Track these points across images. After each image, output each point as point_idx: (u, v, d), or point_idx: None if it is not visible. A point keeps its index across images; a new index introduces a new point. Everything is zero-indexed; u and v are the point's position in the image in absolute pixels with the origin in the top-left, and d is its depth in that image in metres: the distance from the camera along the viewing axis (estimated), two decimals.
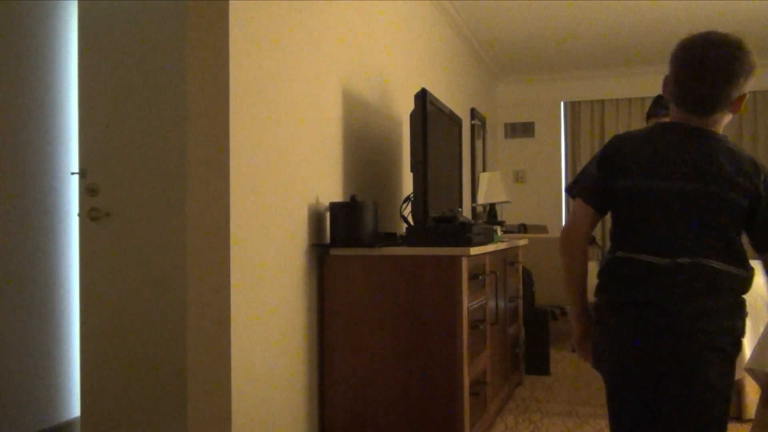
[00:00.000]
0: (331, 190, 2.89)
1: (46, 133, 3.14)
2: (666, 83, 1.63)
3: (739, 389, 3.18)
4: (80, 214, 2.85)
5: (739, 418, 3.17)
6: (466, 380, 2.63)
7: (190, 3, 2.18)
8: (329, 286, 2.74)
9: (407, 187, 3.80)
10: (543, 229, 6.62)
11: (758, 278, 3.54)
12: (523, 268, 4.27)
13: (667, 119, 2.89)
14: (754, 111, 6.85)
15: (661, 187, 1.55)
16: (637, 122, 7.17)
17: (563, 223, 7.41)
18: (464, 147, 5.31)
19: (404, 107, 3.84)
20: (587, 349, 1.72)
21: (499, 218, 5.45)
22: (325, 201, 2.82)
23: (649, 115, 3.25)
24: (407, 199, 3.14)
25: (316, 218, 2.75)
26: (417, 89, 3.03)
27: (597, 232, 7.12)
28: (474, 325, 2.77)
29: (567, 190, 1.76)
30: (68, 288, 3.19)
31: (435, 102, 3.10)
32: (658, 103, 3.23)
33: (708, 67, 1.53)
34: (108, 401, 2.76)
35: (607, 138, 7.72)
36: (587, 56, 6.66)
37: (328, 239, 2.82)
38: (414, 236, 2.75)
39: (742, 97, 1.57)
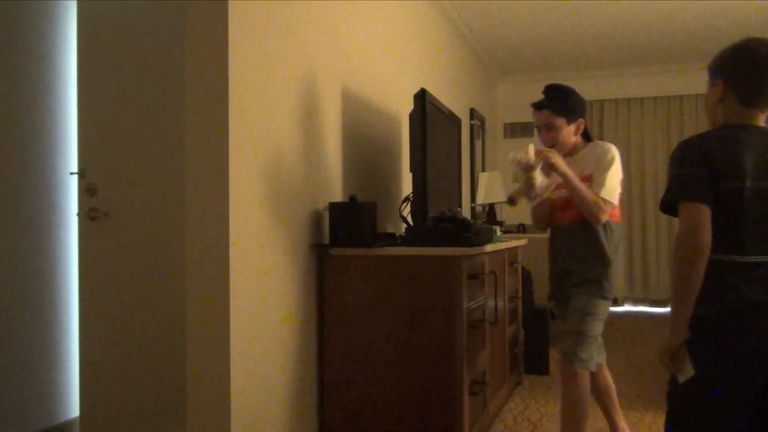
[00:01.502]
0: (330, 190, 2.89)
1: (45, 133, 3.14)
2: (726, 86, 1.71)
3: None
4: (79, 214, 2.86)
5: None
6: (466, 380, 2.64)
7: (189, 3, 2.18)
8: (328, 286, 2.74)
9: (406, 187, 3.80)
10: None
11: None
12: (522, 268, 4.27)
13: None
14: None
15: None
16: (636, 123, 7.18)
17: None
18: (464, 147, 5.31)
19: (403, 107, 3.85)
20: (682, 361, 1.67)
21: (499, 218, 5.45)
22: (325, 201, 2.83)
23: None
24: (406, 199, 3.14)
25: (315, 218, 2.75)
26: (416, 89, 3.03)
27: None
28: (473, 325, 2.78)
29: (668, 203, 1.68)
30: (67, 288, 3.19)
31: (434, 102, 3.10)
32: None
33: None
34: (107, 401, 2.77)
35: (606, 138, 7.74)
36: (586, 57, 6.66)
37: (327, 239, 2.82)
38: (413, 236, 2.76)
39: None
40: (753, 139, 1.66)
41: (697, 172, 1.61)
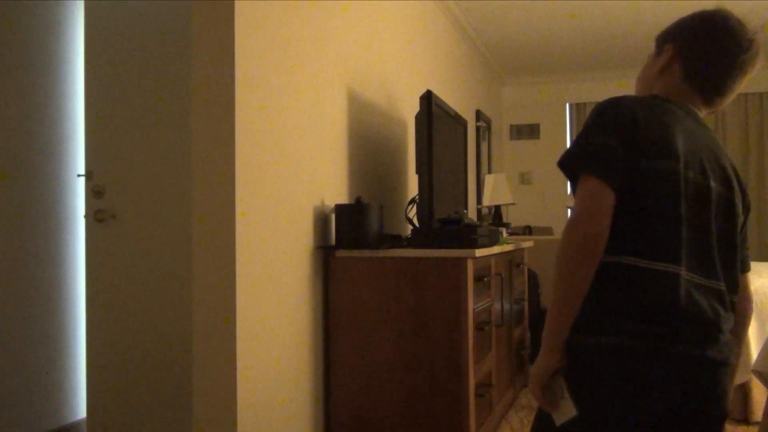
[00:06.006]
0: (336, 191, 2.89)
1: (52, 135, 3.15)
2: (676, 53, 1.40)
3: (745, 391, 3.16)
4: (86, 216, 2.87)
5: (746, 420, 3.16)
6: (472, 382, 2.63)
7: (195, 4, 2.18)
8: (334, 287, 2.74)
9: (412, 188, 3.80)
10: (548, 230, 6.61)
11: (764, 279, 3.52)
12: (529, 269, 4.26)
13: None
14: (761, 114, 6.82)
15: (703, 184, 1.29)
16: None
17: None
18: (469, 149, 5.31)
19: (409, 109, 3.85)
20: (557, 395, 1.28)
21: (505, 220, 5.44)
22: (331, 203, 2.83)
23: None
24: (412, 200, 3.14)
25: (321, 220, 2.75)
26: (422, 91, 3.03)
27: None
28: (479, 327, 2.77)
29: (567, 166, 1.29)
30: (74, 289, 3.20)
31: (440, 104, 3.10)
32: None
33: (749, 57, 1.37)
34: (114, 402, 2.77)
35: None
36: (592, 58, 6.65)
37: (333, 241, 2.82)
38: (419, 238, 2.75)
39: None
40: (687, 123, 1.34)
41: (614, 144, 1.24)
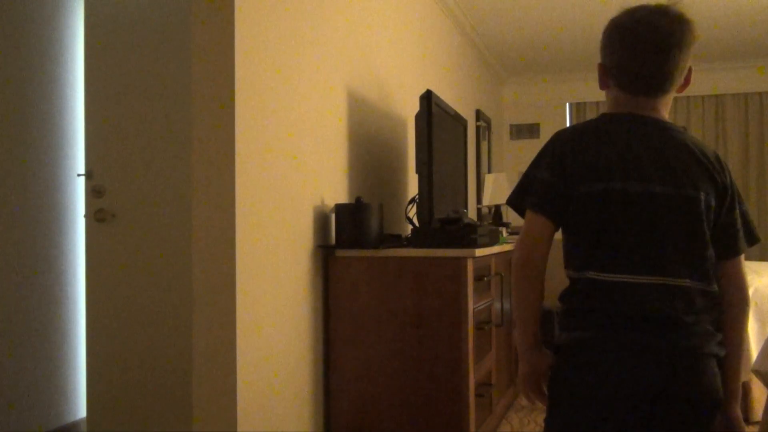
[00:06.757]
0: (336, 191, 2.89)
1: (52, 134, 3.15)
2: (604, 70, 1.46)
3: (745, 391, 3.16)
4: (86, 216, 2.87)
5: (746, 420, 3.16)
6: (472, 382, 2.63)
7: (195, 3, 2.18)
8: (334, 287, 2.74)
9: (412, 188, 3.80)
10: None
11: (764, 279, 3.52)
12: None
13: None
14: (761, 114, 6.82)
15: (638, 192, 1.34)
16: None
17: None
18: (469, 148, 5.31)
19: (409, 109, 3.85)
20: (541, 388, 1.47)
21: (505, 220, 5.43)
22: (331, 202, 2.83)
23: None
24: (412, 200, 3.14)
25: (321, 219, 2.75)
26: (422, 91, 3.03)
27: None
28: (479, 327, 2.77)
29: (512, 203, 1.48)
30: (74, 289, 3.20)
31: (440, 103, 3.10)
32: None
33: (662, 34, 1.36)
34: (114, 402, 2.77)
35: None
36: (593, 57, 6.64)
37: (333, 240, 2.82)
38: (419, 238, 2.75)
39: (690, 70, 1.42)
40: (626, 132, 1.38)
41: (548, 177, 1.39)
